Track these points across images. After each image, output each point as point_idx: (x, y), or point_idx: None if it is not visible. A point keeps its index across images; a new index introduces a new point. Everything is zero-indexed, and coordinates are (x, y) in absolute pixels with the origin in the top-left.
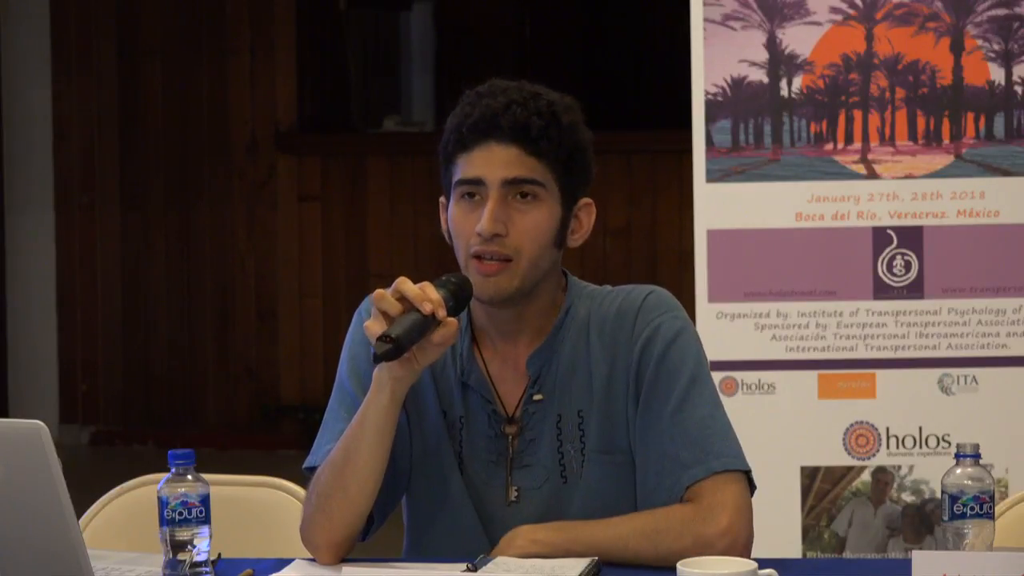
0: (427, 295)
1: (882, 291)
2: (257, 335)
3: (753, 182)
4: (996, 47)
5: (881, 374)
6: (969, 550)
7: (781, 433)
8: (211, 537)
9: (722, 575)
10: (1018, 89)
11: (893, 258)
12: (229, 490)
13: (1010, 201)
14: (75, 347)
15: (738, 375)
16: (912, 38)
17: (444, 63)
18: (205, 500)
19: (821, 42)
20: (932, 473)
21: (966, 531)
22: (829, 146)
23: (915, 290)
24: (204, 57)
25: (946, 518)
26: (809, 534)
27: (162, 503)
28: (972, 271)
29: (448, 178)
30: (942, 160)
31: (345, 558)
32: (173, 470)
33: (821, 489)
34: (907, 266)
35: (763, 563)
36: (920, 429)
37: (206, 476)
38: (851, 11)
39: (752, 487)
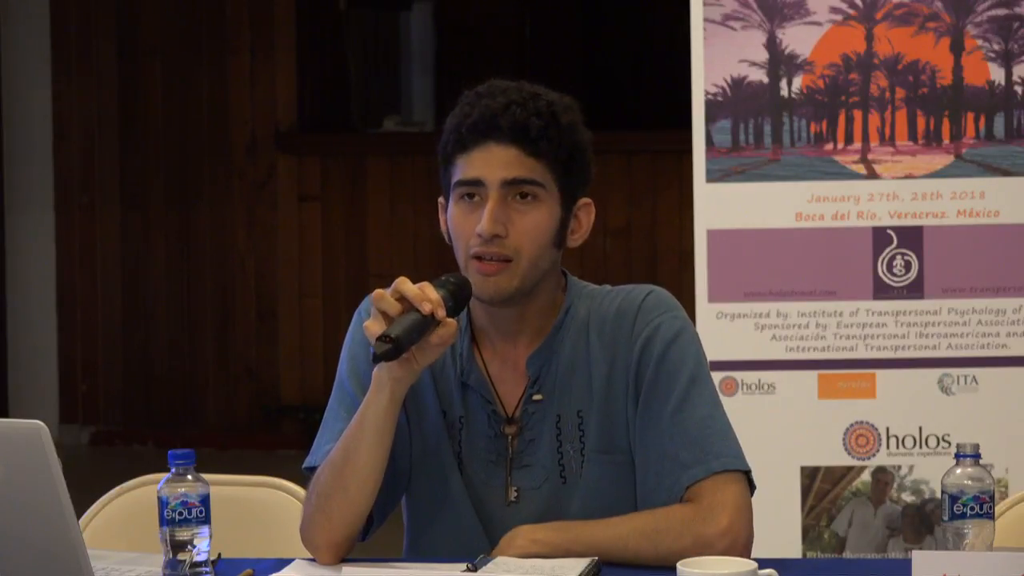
0: (426, 295)
1: (882, 291)
2: (257, 335)
3: (753, 182)
4: (996, 47)
5: (881, 374)
6: (969, 550)
7: (781, 433)
8: (211, 537)
9: (722, 575)
10: (1018, 89)
11: (893, 258)
12: (229, 490)
13: (1010, 201)
14: (75, 347)
15: (738, 375)
16: (912, 38)
17: (444, 63)
18: (205, 500)
19: (821, 42)
20: (932, 473)
21: (966, 531)
22: (829, 146)
23: (915, 290)
24: (204, 57)
25: (946, 518)
26: (809, 534)
27: (162, 503)
28: (972, 271)
29: (447, 179)
30: (942, 160)
31: (345, 558)
32: (173, 470)
33: (821, 489)
34: (907, 266)
35: (763, 563)
36: (920, 429)
37: (206, 476)
38: (851, 11)
39: (752, 487)
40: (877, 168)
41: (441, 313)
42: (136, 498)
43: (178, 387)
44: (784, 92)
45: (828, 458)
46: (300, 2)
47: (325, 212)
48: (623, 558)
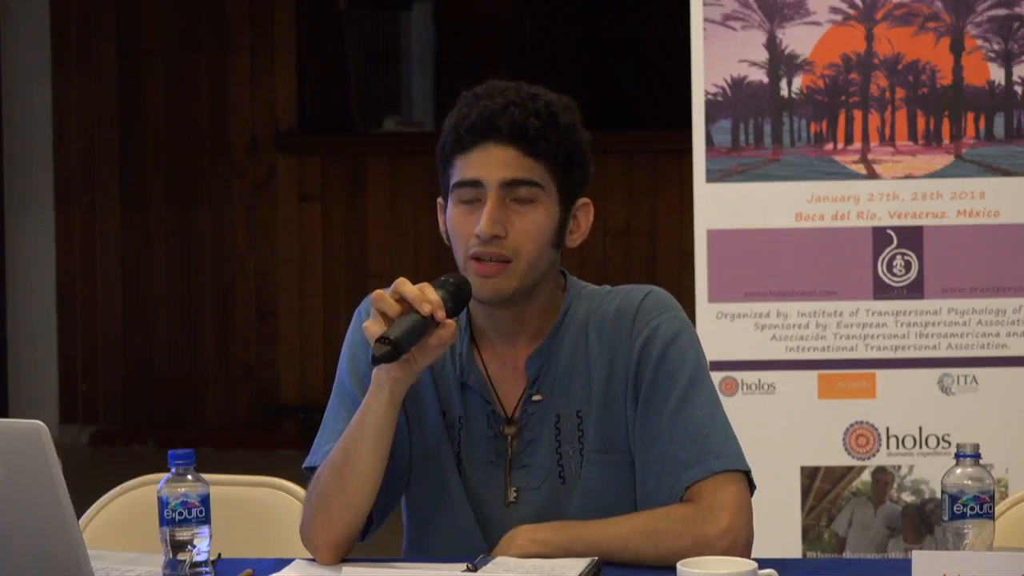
0: (426, 296)
1: (882, 291)
2: (257, 335)
3: (753, 182)
4: (996, 47)
5: (881, 374)
6: (969, 550)
7: (781, 433)
8: (211, 537)
9: (722, 575)
10: (1018, 89)
11: (893, 258)
12: (229, 490)
13: (1010, 201)
14: (75, 347)
15: (738, 375)
16: (912, 38)
17: (444, 63)
18: (205, 500)
19: (821, 42)
20: (932, 473)
21: (966, 531)
22: (829, 146)
23: (915, 290)
24: (204, 57)
25: (946, 518)
26: (809, 534)
27: (162, 503)
28: (972, 271)
29: (446, 180)
30: (942, 160)
31: (345, 558)
32: (173, 470)
33: (821, 489)
34: (907, 266)
35: (763, 563)
36: (920, 429)
37: (206, 476)
38: (851, 11)
39: (752, 487)
40: (877, 168)
41: (441, 314)
42: (136, 498)
43: (178, 387)
44: (784, 92)
45: (828, 458)
46: (300, 2)
47: (325, 212)
48: (623, 558)
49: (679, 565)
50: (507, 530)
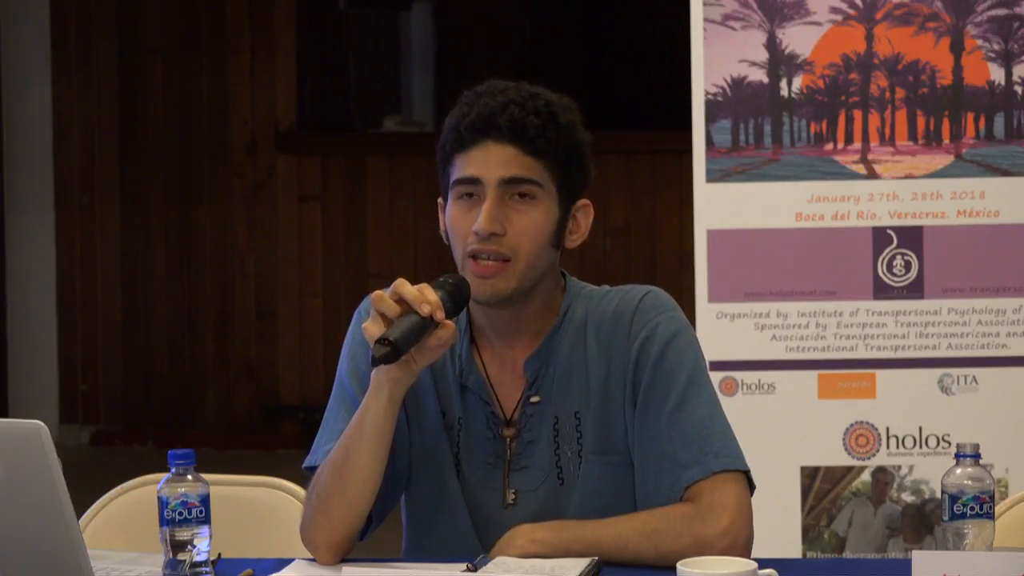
0: (425, 297)
1: (882, 291)
2: (257, 335)
3: (753, 182)
4: (996, 47)
5: (881, 374)
6: (969, 550)
7: (781, 433)
8: (211, 537)
9: (722, 575)
10: (1018, 89)
11: (893, 258)
12: (229, 490)
13: (1010, 201)
14: (75, 347)
15: (738, 375)
16: (912, 38)
17: (444, 63)
18: (205, 500)
19: (821, 42)
20: (932, 473)
21: (966, 531)
22: (829, 146)
23: (915, 290)
24: (204, 57)
25: (946, 518)
26: (809, 534)
27: (162, 503)
28: (972, 271)
29: (446, 178)
30: (942, 160)
31: (345, 558)
32: (173, 470)
33: (821, 489)
34: (907, 266)
35: (763, 563)
36: (920, 429)
37: (206, 476)
38: (851, 11)
39: (751, 487)
40: (877, 168)
41: (440, 315)
42: (136, 498)
43: (178, 387)
44: (784, 92)
45: (828, 458)
46: (300, 2)
47: (325, 212)
48: (623, 558)
49: (679, 565)
50: (505, 531)
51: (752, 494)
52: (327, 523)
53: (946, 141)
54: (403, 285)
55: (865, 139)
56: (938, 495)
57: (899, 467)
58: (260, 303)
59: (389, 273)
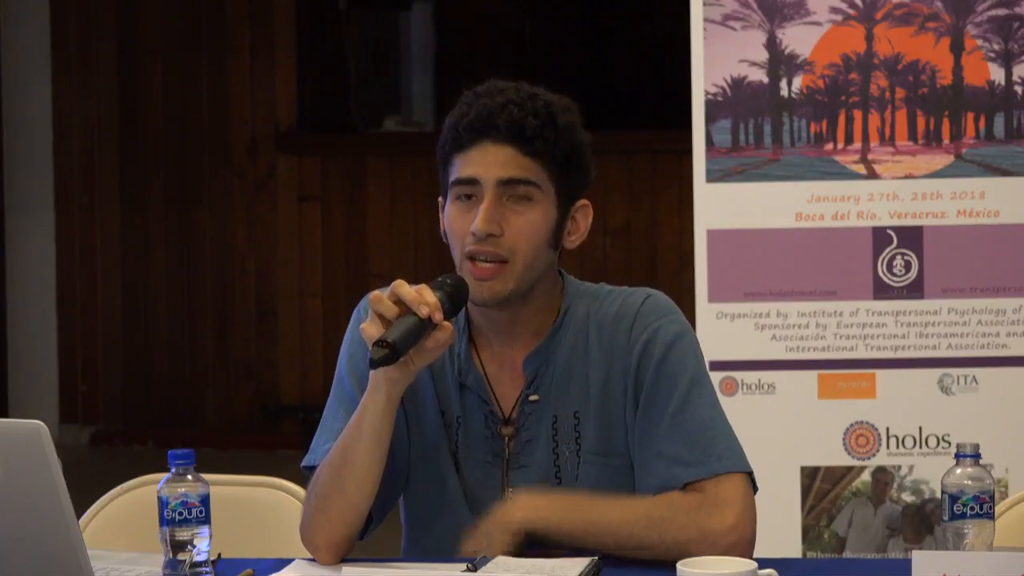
0: (424, 298)
1: (882, 291)
2: (257, 335)
3: (753, 182)
4: (996, 47)
5: (881, 374)
6: (969, 550)
7: (781, 433)
8: (211, 537)
9: (722, 575)
10: (1018, 89)
11: (893, 258)
12: (229, 490)
13: (1010, 201)
14: (75, 347)
15: (738, 375)
16: (912, 38)
17: (444, 63)
18: (205, 500)
19: (821, 42)
20: (932, 473)
21: (966, 531)
22: (829, 146)
23: (915, 290)
24: (204, 57)
25: (946, 518)
26: (809, 534)
27: (162, 503)
28: (972, 271)
29: (445, 178)
30: (942, 160)
31: (345, 558)
32: (173, 470)
33: (821, 489)
34: (907, 266)
35: (763, 563)
36: (920, 429)
37: (206, 476)
38: (851, 11)
39: (754, 488)
40: (877, 168)
41: (438, 317)
42: (136, 498)
43: (178, 387)
44: (784, 92)
45: (828, 458)
46: (300, 2)
47: (325, 212)
48: (625, 544)
49: (679, 565)
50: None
51: (755, 495)
52: (326, 523)
53: (946, 141)
54: (401, 286)
55: (865, 139)
56: (938, 495)
57: (899, 467)
58: (260, 303)
59: (389, 273)
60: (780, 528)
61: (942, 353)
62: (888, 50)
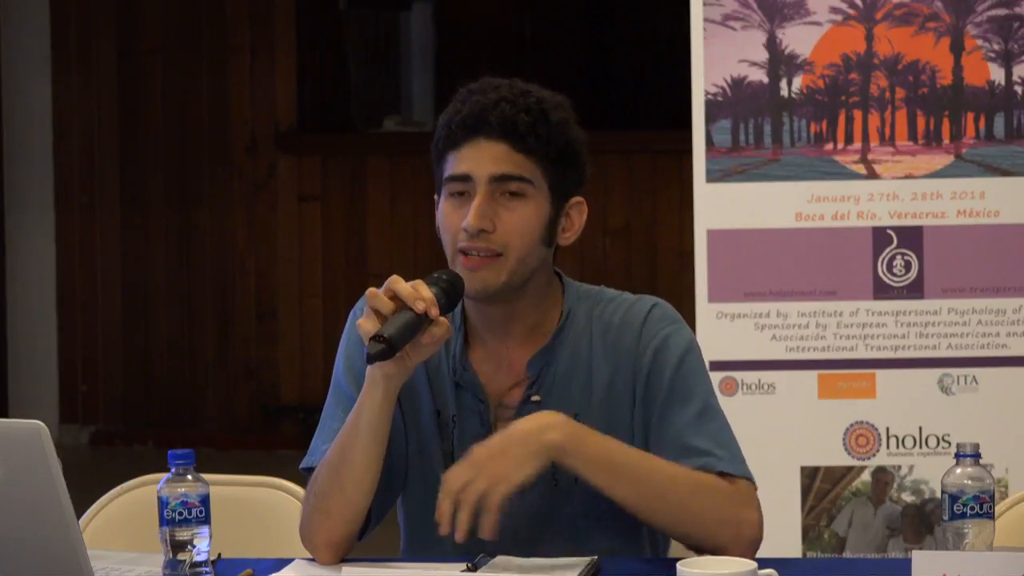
0: (420, 294)
1: (882, 291)
2: (257, 335)
3: (753, 182)
4: (996, 47)
5: (881, 374)
6: (969, 550)
7: (781, 433)
8: (211, 537)
9: (722, 575)
10: (1018, 89)
11: (893, 258)
12: (229, 490)
13: (1010, 201)
14: (75, 347)
15: (738, 375)
16: (912, 38)
17: (444, 63)
18: (205, 500)
19: (821, 42)
20: (932, 473)
21: (966, 531)
22: (829, 146)
23: (915, 290)
24: (204, 57)
25: (946, 518)
26: (809, 534)
27: (162, 503)
28: (972, 271)
29: (439, 175)
30: (942, 160)
31: (344, 558)
32: (173, 470)
33: (821, 489)
34: (907, 266)
35: (763, 563)
36: (920, 429)
37: (206, 476)
38: (851, 11)
39: None
40: (877, 168)
41: (434, 312)
42: (136, 498)
43: (178, 387)
44: (784, 92)
45: (828, 458)
46: (300, 2)
47: (325, 212)
48: (658, 501)
49: (679, 566)
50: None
51: None
52: (326, 522)
53: (946, 141)
54: (397, 282)
55: (865, 139)
56: (938, 495)
57: (899, 467)
58: (260, 303)
59: (389, 273)
60: (780, 528)
61: (942, 353)
62: (888, 50)
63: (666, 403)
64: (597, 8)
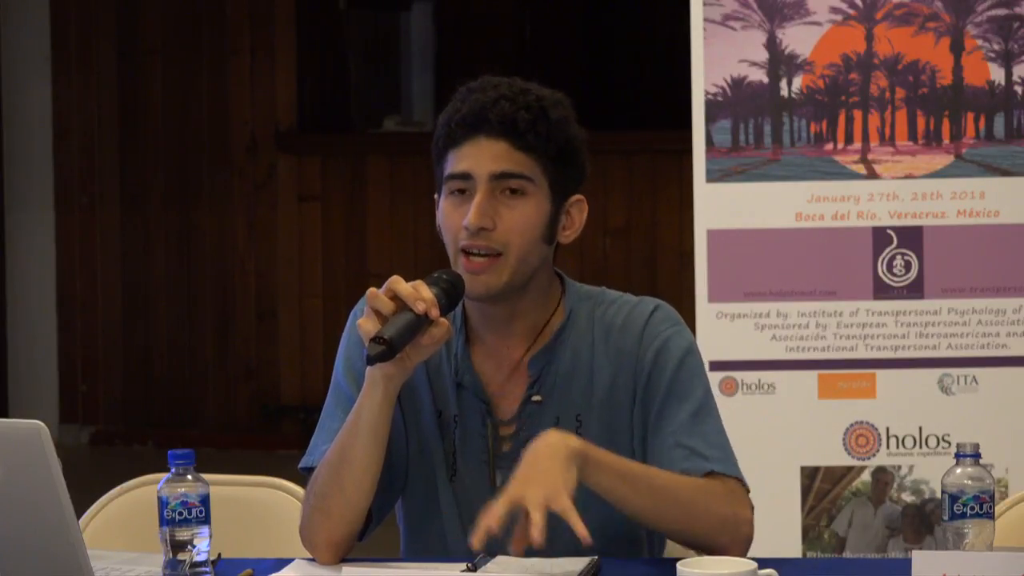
0: (420, 294)
1: (882, 291)
2: (257, 335)
3: (753, 182)
4: (996, 47)
5: (881, 374)
6: (969, 550)
7: (781, 433)
8: (211, 537)
9: (722, 575)
10: (1018, 89)
11: (893, 258)
12: (229, 490)
13: (1010, 201)
14: (75, 347)
15: (738, 375)
16: (912, 38)
17: (444, 63)
18: (205, 500)
19: (821, 42)
20: (932, 473)
21: (966, 531)
22: (829, 146)
23: (915, 290)
24: (204, 57)
25: (946, 518)
26: (809, 534)
27: (162, 503)
28: (972, 271)
29: (439, 174)
30: (942, 160)
31: (345, 558)
32: (173, 470)
33: (821, 489)
34: (907, 266)
35: (763, 563)
36: (920, 429)
37: (206, 476)
38: (851, 11)
39: None
40: (877, 168)
41: (435, 312)
42: (136, 498)
43: (178, 387)
44: (784, 92)
45: (828, 458)
46: (300, 2)
47: (325, 212)
48: (662, 505)
49: (679, 566)
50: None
51: None
52: (326, 522)
53: (946, 141)
54: (398, 282)
55: (865, 139)
56: (938, 495)
57: (899, 467)
58: (260, 303)
59: (389, 273)
60: (780, 528)
61: (942, 353)
62: (888, 50)
63: (664, 402)
64: (597, 8)
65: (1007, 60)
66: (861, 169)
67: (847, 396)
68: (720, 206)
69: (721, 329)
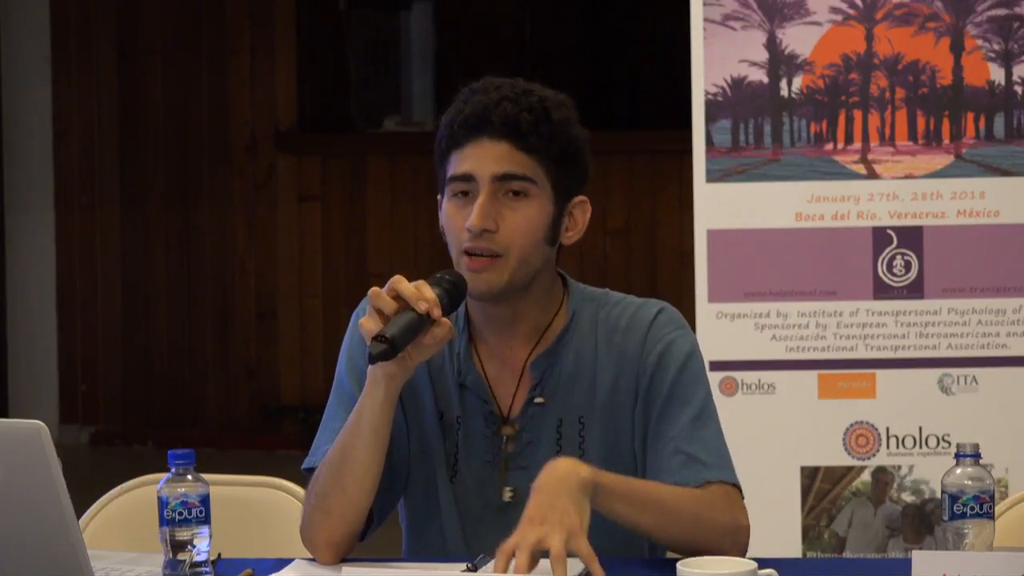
0: (422, 294)
1: (882, 291)
2: (257, 335)
3: (753, 182)
4: (996, 47)
5: (881, 374)
6: (969, 550)
7: (781, 433)
8: (211, 537)
9: (722, 575)
10: (1018, 89)
11: (893, 258)
12: (229, 490)
13: (1010, 201)
14: (75, 347)
15: (738, 375)
16: (912, 38)
17: (444, 63)
18: (205, 500)
19: (821, 42)
20: (932, 473)
21: (966, 531)
22: (829, 146)
23: (915, 290)
24: (204, 57)
25: (946, 518)
26: (809, 534)
27: (162, 503)
28: (972, 271)
29: (442, 175)
30: (942, 160)
31: (345, 558)
32: (173, 470)
33: (821, 489)
34: (907, 266)
35: (763, 563)
36: (920, 429)
37: (206, 476)
38: (851, 11)
39: None
40: (877, 168)
41: (437, 312)
42: (136, 498)
43: (178, 387)
44: (784, 92)
45: (828, 458)
46: (300, 2)
47: (325, 212)
48: (668, 520)
49: (679, 566)
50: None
51: None
52: (327, 522)
53: (946, 141)
54: (400, 282)
55: (865, 139)
56: (938, 495)
57: (899, 467)
58: (260, 303)
59: (389, 273)
60: (780, 528)
61: (942, 353)
62: (888, 50)
63: (665, 405)
64: (597, 8)
65: (1007, 60)
66: (861, 169)
67: (847, 396)
68: (720, 206)
69: (721, 329)
